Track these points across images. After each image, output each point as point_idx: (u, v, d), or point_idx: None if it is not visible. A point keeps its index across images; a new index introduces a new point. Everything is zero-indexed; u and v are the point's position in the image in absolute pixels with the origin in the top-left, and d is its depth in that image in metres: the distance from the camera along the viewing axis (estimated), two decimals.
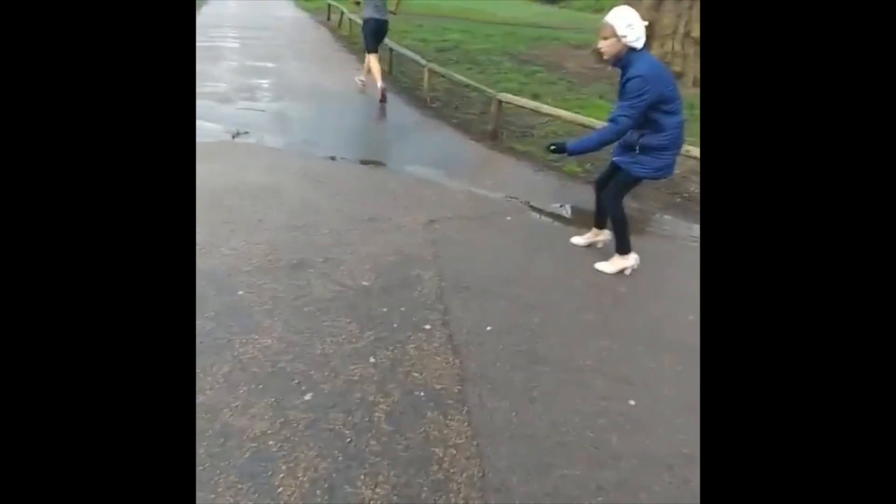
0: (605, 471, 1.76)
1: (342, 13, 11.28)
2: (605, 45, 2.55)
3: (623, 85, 2.56)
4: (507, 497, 1.63)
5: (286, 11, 14.55)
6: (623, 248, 2.91)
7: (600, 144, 2.71)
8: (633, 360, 2.30)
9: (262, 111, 5.53)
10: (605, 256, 3.03)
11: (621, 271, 2.94)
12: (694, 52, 7.83)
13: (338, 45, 9.98)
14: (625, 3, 8.01)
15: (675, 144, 2.70)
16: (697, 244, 3.60)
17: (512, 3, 22.77)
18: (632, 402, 2.06)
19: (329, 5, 12.65)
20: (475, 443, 1.81)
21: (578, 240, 3.22)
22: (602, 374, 2.19)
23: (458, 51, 9.36)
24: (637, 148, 2.69)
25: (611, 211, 2.90)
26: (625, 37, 2.47)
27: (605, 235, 3.16)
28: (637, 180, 2.82)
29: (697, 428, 2.12)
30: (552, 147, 2.75)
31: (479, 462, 1.74)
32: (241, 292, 2.49)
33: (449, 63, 7.90)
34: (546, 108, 4.78)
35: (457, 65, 8.00)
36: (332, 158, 4.38)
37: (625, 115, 2.51)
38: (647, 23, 2.52)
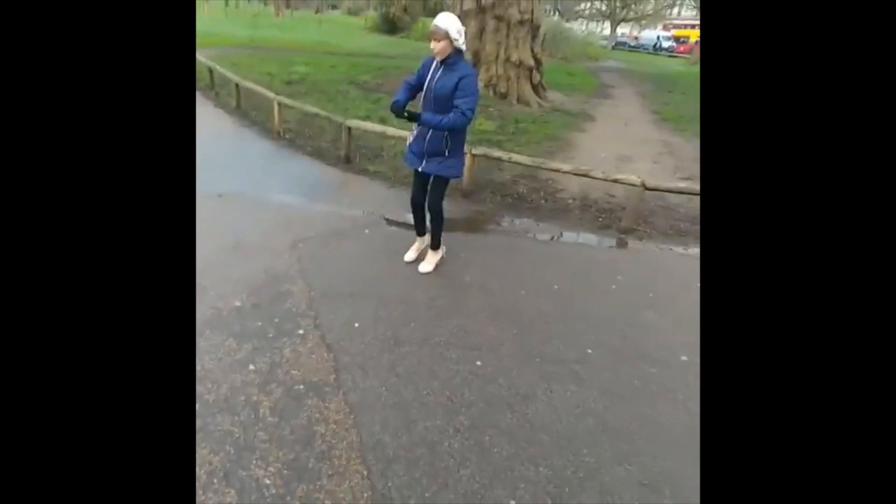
0: (459, 416, 2.19)
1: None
2: (440, 47, 2.73)
3: (458, 81, 2.74)
4: (382, 452, 1.97)
5: None
6: (436, 243, 3.36)
7: (446, 128, 2.82)
8: (480, 332, 2.79)
9: None
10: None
11: (437, 265, 3.40)
12: (514, 73, 8.99)
13: None
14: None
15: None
16: (532, 236, 4.31)
17: (353, 34, 23.51)
18: (478, 363, 2.54)
19: None
20: (352, 417, 2.13)
21: (410, 255, 3.51)
22: (455, 346, 2.64)
23: (306, 83, 9.59)
24: (447, 152, 2.96)
25: (436, 212, 3.21)
26: (456, 40, 2.71)
27: (427, 239, 3.47)
28: (448, 182, 3.16)
29: (534, 374, 2.67)
30: (406, 114, 2.84)
31: (356, 431, 2.06)
32: None
33: (298, 95, 8.10)
34: (391, 131, 5.26)
35: (306, 96, 8.24)
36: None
37: (471, 109, 2.74)
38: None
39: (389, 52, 16.28)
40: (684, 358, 2.67)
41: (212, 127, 6.64)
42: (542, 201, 5.05)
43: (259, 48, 14.53)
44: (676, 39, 32.73)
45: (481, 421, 2.18)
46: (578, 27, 28.10)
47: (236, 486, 1.79)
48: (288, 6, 30.34)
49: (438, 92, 2.82)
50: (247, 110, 7.60)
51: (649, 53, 31.71)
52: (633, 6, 31.03)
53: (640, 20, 32.92)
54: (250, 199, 4.43)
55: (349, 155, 5.58)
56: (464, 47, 2.80)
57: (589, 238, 4.38)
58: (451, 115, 2.76)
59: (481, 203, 4.84)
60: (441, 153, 2.97)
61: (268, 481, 1.82)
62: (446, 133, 2.88)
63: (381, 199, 4.71)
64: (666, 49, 32.29)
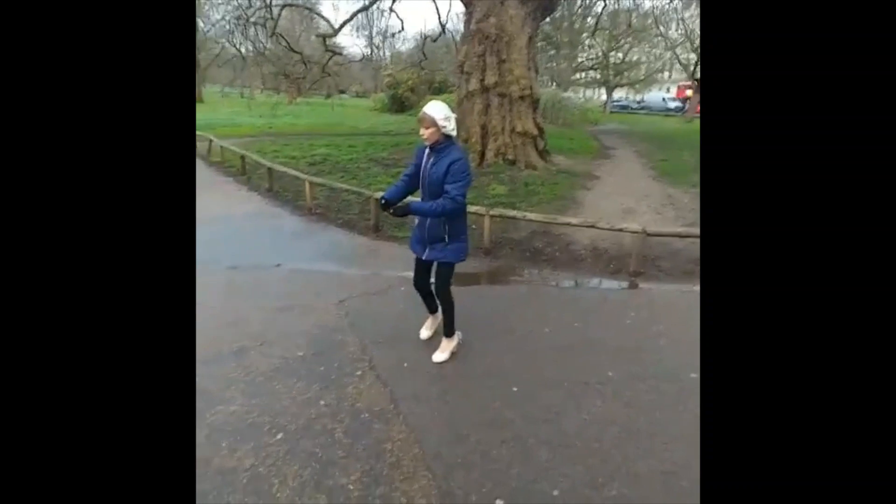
0: (503, 430, 2.56)
1: (210, 140, 11.97)
2: (428, 133, 2.72)
3: (448, 167, 2.71)
4: (442, 461, 2.35)
5: None
6: (450, 330, 3.23)
7: (436, 214, 2.80)
8: (512, 365, 3.19)
9: None
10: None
11: (453, 353, 3.25)
12: (520, 142, 9.80)
13: (211, 171, 10.56)
14: (460, 110, 9.80)
15: (466, 229, 3.00)
16: (550, 284, 4.76)
17: (364, 115, 25.19)
18: (514, 389, 2.92)
19: None
20: (413, 435, 2.51)
21: (425, 332, 3.49)
22: (492, 377, 3.04)
23: (328, 163, 10.49)
24: (446, 238, 2.91)
25: (444, 299, 3.14)
26: (444, 126, 2.70)
27: (441, 315, 3.33)
28: (453, 267, 3.03)
29: (564, 395, 3.05)
30: (391, 210, 2.92)
31: (419, 446, 2.44)
32: (196, 379, 2.97)
33: (322, 174, 8.91)
34: (417, 200, 5.88)
35: (329, 175, 9.04)
36: (235, 268, 4.96)
37: (461, 195, 2.73)
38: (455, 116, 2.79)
39: (401, 130, 17.52)
40: (694, 375, 3.03)
41: (249, 208, 7.37)
42: (557, 253, 5.54)
43: (279, 135, 15.80)
44: (682, 99, 34.25)
45: (522, 433, 2.55)
46: (576, 95, 29.86)
47: (325, 491, 2.17)
48: (299, 93, 32.84)
49: (431, 178, 2.81)
50: (278, 191, 8.36)
51: (653, 114, 33.19)
52: (625, 73, 32.98)
53: (634, 85, 34.83)
54: (295, 268, 4.97)
55: (377, 224, 6.19)
56: (453, 133, 2.77)
57: (602, 282, 4.83)
58: (441, 201, 2.74)
59: (501, 258, 5.35)
60: (441, 238, 2.93)
61: (351, 486, 2.19)
62: (444, 218, 2.86)
63: (410, 261, 5.19)
64: (673, 109, 33.60)
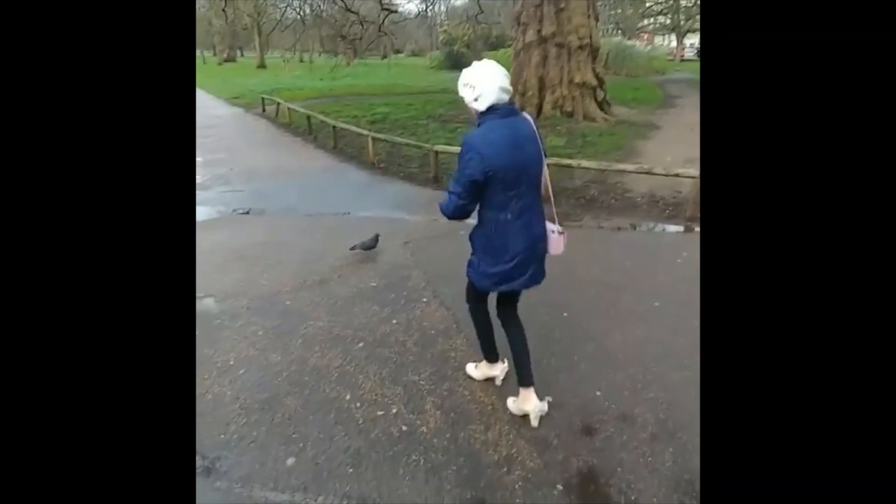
0: (553, 345, 2.88)
1: (278, 104, 12.62)
2: (466, 109, 2.08)
3: None
4: None
5: (221, 110, 15.71)
6: (485, 353, 2.56)
7: (444, 213, 2.08)
8: (563, 296, 3.48)
9: (241, 191, 6.58)
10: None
11: (490, 379, 2.60)
12: (578, 94, 9.70)
13: (280, 132, 11.21)
14: (517, 62, 9.79)
15: (503, 249, 2.07)
16: (604, 228, 4.95)
17: (421, 74, 25.20)
18: (565, 314, 3.22)
19: (262, 99, 13.99)
20: (472, 347, 2.89)
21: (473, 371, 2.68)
22: (545, 305, 3.34)
23: (388, 121, 10.86)
24: (472, 244, 2.21)
25: (471, 315, 2.48)
26: (464, 98, 2.02)
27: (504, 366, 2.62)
28: (474, 287, 2.32)
29: (609, 321, 3.33)
30: None
31: (478, 355, 2.81)
32: (287, 303, 3.49)
33: (383, 131, 9.29)
34: None
35: (390, 132, 9.41)
36: (311, 215, 5.48)
37: (450, 191, 2.01)
38: (501, 76, 1.96)
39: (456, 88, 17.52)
40: None
41: (318, 164, 7.91)
42: (613, 201, 5.67)
43: (339, 96, 16.28)
44: None
45: (570, 349, 2.87)
46: (642, 44, 28.33)
47: (402, 385, 2.60)
48: (356, 55, 33.15)
49: None
50: (342, 148, 8.84)
51: None
52: (696, 17, 30.75)
53: None
54: (364, 215, 5.43)
55: (437, 175, 6.52)
56: (480, 105, 1.96)
57: (657, 227, 4.96)
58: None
59: (557, 206, 5.54)
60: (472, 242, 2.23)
61: (422, 383, 2.62)
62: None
63: None
64: None
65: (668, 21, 32.37)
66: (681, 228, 4.92)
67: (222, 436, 2.30)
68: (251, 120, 13.45)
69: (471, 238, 2.21)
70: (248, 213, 5.71)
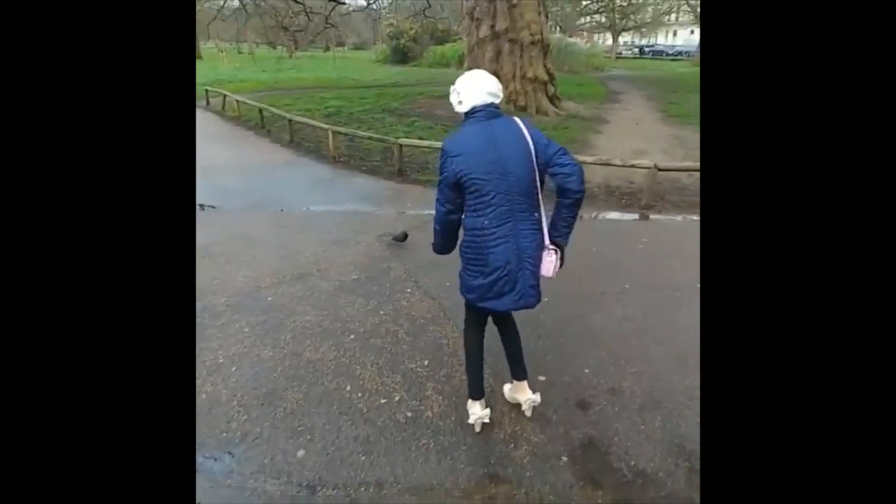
0: (538, 329, 3.03)
1: (224, 96, 12.13)
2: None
3: None
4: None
5: None
6: (471, 389, 2.27)
7: (436, 241, 2.14)
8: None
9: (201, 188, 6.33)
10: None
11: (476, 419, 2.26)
12: (531, 88, 9.97)
13: (230, 125, 10.80)
14: (471, 56, 9.92)
15: (482, 259, 1.93)
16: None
17: (367, 68, 24.92)
18: (546, 299, 3.38)
19: (206, 91, 13.40)
20: (459, 333, 2.98)
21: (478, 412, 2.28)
22: None
23: (343, 114, 10.71)
24: (460, 254, 2.07)
25: (463, 338, 2.32)
26: (452, 104, 1.99)
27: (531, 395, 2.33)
28: (468, 307, 2.18)
29: (587, 303, 3.50)
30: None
31: None
32: (269, 298, 3.45)
33: (339, 125, 9.17)
34: (439, 144, 6.21)
35: (346, 126, 9.29)
36: (282, 210, 5.38)
37: (439, 199, 1.97)
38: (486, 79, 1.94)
39: (407, 81, 17.51)
40: (699, 286, 3.49)
41: (277, 158, 7.73)
42: None
43: (287, 89, 15.85)
44: None
45: (554, 331, 3.02)
46: (581, 41, 29.29)
47: (400, 373, 2.66)
48: (297, 47, 32.25)
49: None
50: (299, 142, 8.67)
51: (658, 59, 32.44)
52: (631, 16, 32.13)
53: (640, 28, 34.01)
54: (333, 209, 5.39)
55: (401, 169, 6.55)
56: (462, 108, 1.94)
57: (616, 215, 5.24)
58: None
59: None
60: None
61: (420, 370, 2.69)
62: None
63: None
64: None
65: (604, 20, 33.60)
66: (637, 216, 5.22)
67: (225, 434, 2.28)
68: (196, 113, 12.83)
69: (459, 248, 2.10)
70: (202, 208, 5.51)
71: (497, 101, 1.95)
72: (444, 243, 2.13)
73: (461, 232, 2.03)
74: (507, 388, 2.49)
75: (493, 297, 1.96)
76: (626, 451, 2.18)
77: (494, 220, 1.87)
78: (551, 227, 1.98)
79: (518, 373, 2.37)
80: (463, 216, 1.97)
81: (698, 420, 2.34)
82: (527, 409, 2.35)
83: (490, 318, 2.28)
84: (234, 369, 2.70)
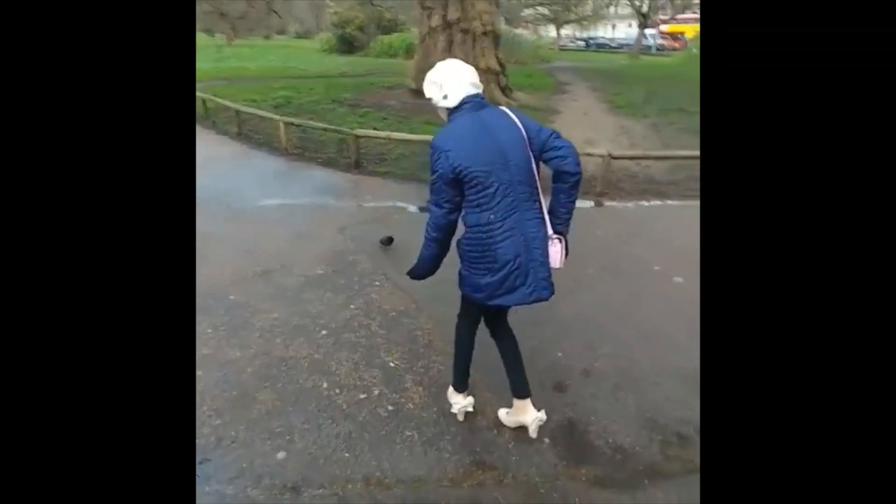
0: (510, 317, 3.07)
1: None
2: (437, 111, 1.97)
3: None
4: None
5: None
6: (456, 379, 2.28)
7: (425, 255, 2.04)
8: None
9: None
10: None
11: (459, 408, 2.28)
12: (484, 79, 10.00)
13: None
14: (423, 47, 9.82)
15: (490, 256, 1.84)
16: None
17: (313, 57, 24.22)
18: None
19: None
20: (438, 325, 2.99)
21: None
22: None
23: (293, 105, 10.37)
24: (459, 254, 1.99)
25: (456, 333, 2.28)
26: (431, 98, 1.92)
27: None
28: (468, 302, 2.11)
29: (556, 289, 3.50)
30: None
31: (447, 330, 2.91)
32: (232, 297, 3.32)
33: (289, 116, 8.87)
34: (396, 135, 6.16)
35: (297, 116, 9.00)
36: (233, 206, 5.17)
37: (434, 201, 1.88)
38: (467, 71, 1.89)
39: (356, 71, 17.15)
40: (657, 267, 3.65)
41: (225, 151, 7.40)
42: None
43: (229, 79, 15.13)
44: (673, 36, 34.00)
45: (529, 317, 3.06)
46: (528, 33, 29.74)
47: (377, 367, 2.64)
48: (236, 35, 30.91)
49: None
50: (247, 134, 8.32)
51: (601, 52, 33.20)
52: (573, 8, 32.82)
53: (581, 21, 34.83)
54: (290, 203, 5.23)
55: (358, 161, 6.43)
56: (448, 103, 1.87)
57: None
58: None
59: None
60: None
61: (396, 363, 2.67)
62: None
63: (395, 193, 5.59)
64: (658, 49, 32.28)
65: (548, 12, 34.17)
66: (592, 203, 5.37)
67: (199, 440, 2.18)
68: None
69: (457, 247, 1.97)
70: None
71: (479, 90, 1.91)
72: (433, 260, 2.01)
73: (460, 231, 1.96)
74: (503, 413, 2.26)
75: (504, 293, 1.87)
76: (603, 428, 2.26)
77: (500, 214, 1.79)
78: (551, 215, 1.92)
79: (520, 389, 2.16)
80: (463, 214, 1.88)
81: (667, 395, 2.46)
82: (533, 431, 2.16)
83: (482, 318, 2.22)
84: (200, 373, 2.58)
